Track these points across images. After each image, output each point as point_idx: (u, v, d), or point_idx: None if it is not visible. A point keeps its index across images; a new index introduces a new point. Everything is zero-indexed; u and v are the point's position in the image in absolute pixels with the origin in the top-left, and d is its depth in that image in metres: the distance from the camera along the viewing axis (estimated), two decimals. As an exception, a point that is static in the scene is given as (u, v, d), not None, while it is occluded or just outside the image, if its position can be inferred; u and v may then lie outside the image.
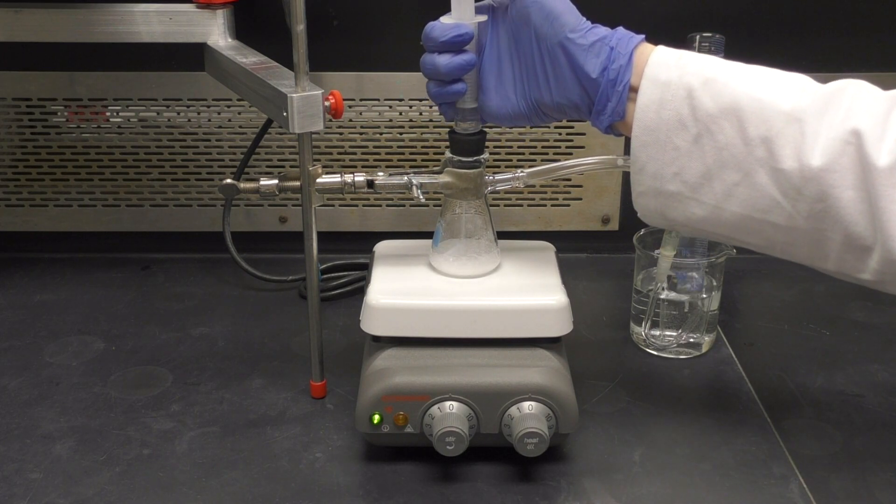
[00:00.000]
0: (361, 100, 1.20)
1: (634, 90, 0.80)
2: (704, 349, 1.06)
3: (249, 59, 1.00)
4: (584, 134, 1.22)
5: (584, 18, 0.82)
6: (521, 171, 0.92)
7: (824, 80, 1.22)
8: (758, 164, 0.76)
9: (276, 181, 0.91)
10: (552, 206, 1.26)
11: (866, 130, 0.73)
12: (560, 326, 0.88)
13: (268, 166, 1.23)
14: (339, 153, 1.23)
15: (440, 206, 0.93)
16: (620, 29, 0.83)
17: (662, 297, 1.02)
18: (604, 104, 0.81)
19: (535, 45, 0.82)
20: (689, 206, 0.80)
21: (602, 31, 0.82)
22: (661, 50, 0.81)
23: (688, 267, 1.03)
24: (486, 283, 0.91)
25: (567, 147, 1.22)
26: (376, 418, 0.84)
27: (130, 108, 1.21)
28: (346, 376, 0.98)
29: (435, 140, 1.22)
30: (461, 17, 0.83)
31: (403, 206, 1.25)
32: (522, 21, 0.82)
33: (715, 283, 1.03)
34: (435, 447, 0.83)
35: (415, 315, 0.87)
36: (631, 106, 0.80)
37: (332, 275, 1.21)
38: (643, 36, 0.82)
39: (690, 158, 0.78)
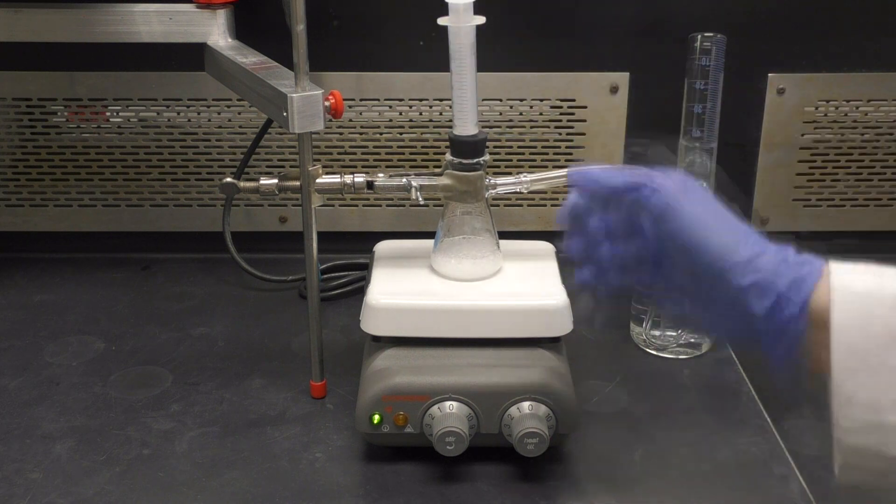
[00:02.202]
0: (361, 100, 1.20)
1: (817, 312, 0.65)
2: (704, 349, 1.06)
3: (249, 59, 1.00)
4: (584, 134, 1.22)
5: (742, 239, 0.67)
6: (525, 176, 0.92)
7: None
8: None
9: (276, 181, 0.91)
10: (552, 206, 1.26)
11: None
12: (560, 326, 0.88)
13: (268, 166, 1.23)
14: (339, 153, 1.23)
15: (440, 206, 0.93)
16: (790, 254, 0.67)
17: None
18: (770, 346, 0.67)
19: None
20: None
21: (765, 262, 0.66)
22: (837, 263, 0.66)
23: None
24: (485, 283, 0.91)
25: (567, 147, 1.22)
26: (376, 418, 0.84)
27: (130, 108, 1.21)
28: (346, 376, 0.98)
29: (435, 140, 1.22)
30: (458, 19, 0.83)
31: (403, 206, 1.25)
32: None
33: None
34: (435, 447, 0.83)
35: (415, 315, 0.87)
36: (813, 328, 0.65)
37: (332, 275, 1.21)
38: (820, 270, 0.66)
39: None
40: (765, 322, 0.66)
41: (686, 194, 0.70)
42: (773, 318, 0.66)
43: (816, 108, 1.21)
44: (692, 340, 1.04)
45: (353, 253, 1.22)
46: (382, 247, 0.99)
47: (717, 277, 0.67)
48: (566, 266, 0.96)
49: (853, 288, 0.64)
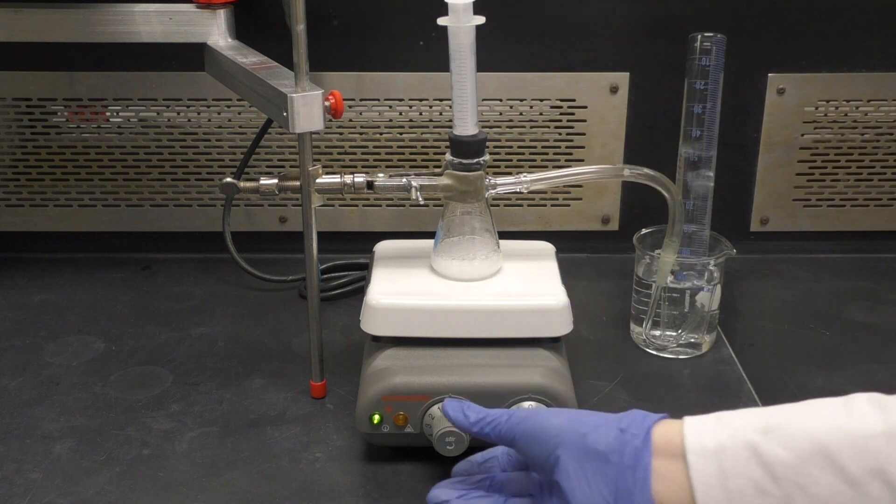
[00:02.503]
0: (361, 100, 1.20)
1: (666, 478, 0.65)
2: (704, 349, 1.06)
3: (249, 59, 0.99)
4: (584, 134, 1.22)
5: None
6: (525, 176, 0.92)
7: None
8: None
9: (276, 181, 0.91)
10: (552, 206, 1.26)
11: None
12: (560, 326, 0.88)
13: (268, 166, 1.23)
14: (339, 153, 1.23)
15: (440, 206, 0.93)
16: (633, 410, 0.70)
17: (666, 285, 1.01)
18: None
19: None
20: None
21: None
22: (691, 419, 0.67)
23: (688, 267, 1.03)
24: (485, 283, 0.92)
25: (567, 147, 1.22)
26: (376, 418, 0.84)
27: (130, 108, 1.21)
28: (346, 376, 0.98)
29: (435, 140, 1.22)
30: (458, 19, 0.83)
31: (403, 205, 1.25)
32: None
33: (715, 283, 1.03)
34: (435, 447, 0.83)
35: (415, 315, 0.87)
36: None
37: (332, 275, 1.21)
38: (663, 415, 0.69)
39: None
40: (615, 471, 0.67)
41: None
42: (621, 456, 0.67)
43: (816, 108, 1.22)
44: (692, 340, 1.04)
45: (353, 253, 1.22)
46: (382, 247, 0.99)
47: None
48: (566, 266, 0.96)
49: (706, 446, 0.64)
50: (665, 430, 0.67)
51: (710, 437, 0.65)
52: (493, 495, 0.76)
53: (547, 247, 0.99)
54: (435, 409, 0.84)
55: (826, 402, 0.66)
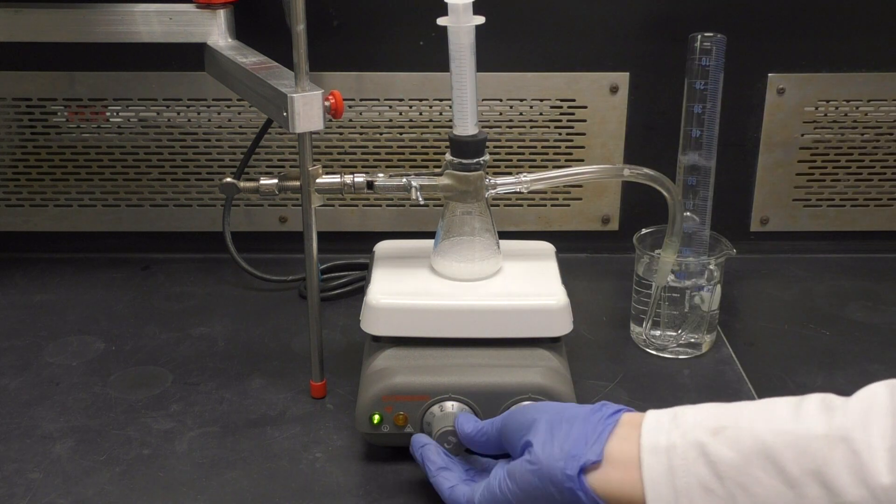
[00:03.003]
0: (361, 100, 1.20)
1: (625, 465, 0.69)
2: (704, 349, 1.06)
3: (249, 59, 0.99)
4: (584, 134, 1.22)
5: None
6: (525, 176, 0.92)
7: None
8: None
9: (276, 181, 0.91)
10: (552, 206, 1.26)
11: None
12: (560, 326, 0.88)
13: (268, 166, 1.23)
14: (339, 153, 1.23)
15: (440, 206, 0.93)
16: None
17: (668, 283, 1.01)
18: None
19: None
20: None
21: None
22: (652, 413, 0.71)
23: (688, 267, 1.03)
24: (485, 283, 0.92)
25: (567, 147, 1.22)
26: (376, 418, 0.84)
27: (130, 108, 1.21)
28: (346, 376, 0.98)
29: (435, 140, 1.22)
30: (457, 19, 0.83)
31: (403, 205, 1.25)
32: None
33: (715, 283, 1.03)
34: (435, 447, 0.83)
35: (415, 315, 0.87)
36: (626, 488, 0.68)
37: (332, 275, 1.21)
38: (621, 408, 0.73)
39: None
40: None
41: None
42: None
43: (816, 108, 1.22)
44: (692, 340, 1.04)
45: (353, 253, 1.22)
46: (382, 247, 0.99)
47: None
48: (566, 266, 0.96)
49: (658, 444, 0.67)
50: (632, 418, 0.71)
51: (663, 435, 0.68)
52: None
53: (547, 247, 0.99)
54: (435, 409, 0.84)
55: (778, 403, 0.68)
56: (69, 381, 1.00)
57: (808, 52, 1.19)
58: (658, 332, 1.05)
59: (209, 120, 1.21)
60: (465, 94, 0.87)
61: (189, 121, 1.21)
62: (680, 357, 1.05)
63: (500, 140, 1.22)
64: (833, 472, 0.62)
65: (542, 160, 1.23)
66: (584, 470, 0.69)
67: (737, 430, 0.66)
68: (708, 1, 1.17)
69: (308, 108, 0.86)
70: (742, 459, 0.65)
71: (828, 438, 0.63)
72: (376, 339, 0.89)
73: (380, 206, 1.25)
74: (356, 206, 1.25)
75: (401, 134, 1.22)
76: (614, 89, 1.20)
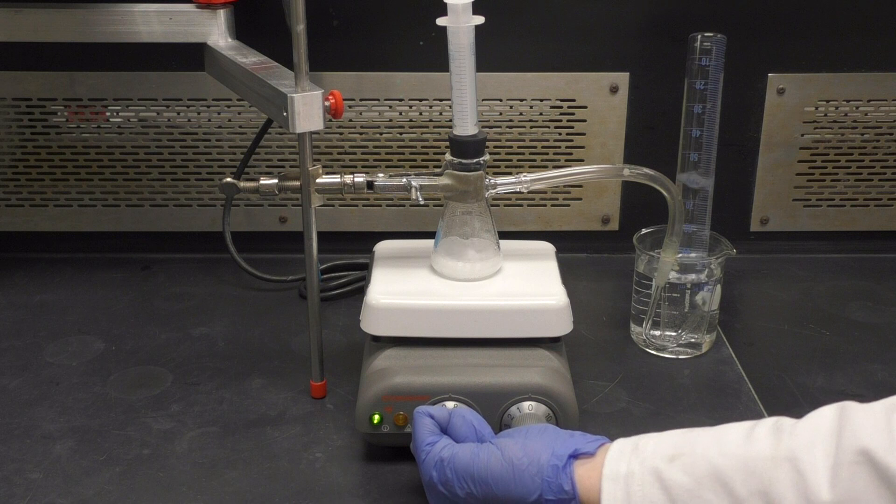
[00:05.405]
0: (361, 100, 1.20)
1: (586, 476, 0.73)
2: (704, 349, 1.06)
3: (249, 59, 0.99)
4: (584, 134, 1.22)
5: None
6: (525, 176, 0.92)
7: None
8: None
9: (276, 181, 0.91)
10: (552, 206, 1.26)
11: (873, 445, 0.64)
12: (560, 326, 0.88)
13: (268, 166, 1.23)
14: (339, 153, 1.23)
15: (440, 206, 0.93)
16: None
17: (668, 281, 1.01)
18: None
19: None
20: None
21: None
22: (619, 442, 0.74)
23: (688, 266, 1.03)
24: (485, 283, 0.91)
25: (567, 147, 1.22)
26: (376, 418, 0.84)
27: (130, 108, 1.21)
28: (346, 376, 0.98)
29: (435, 140, 1.22)
30: (457, 19, 0.83)
31: (403, 206, 1.25)
32: None
33: (715, 283, 1.03)
34: (435, 447, 0.83)
35: (415, 315, 0.87)
36: None
37: (332, 275, 1.21)
38: (599, 441, 0.76)
39: None
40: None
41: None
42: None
43: (816, 108, 1.22)
44: (692, 340, 1.04)
45: (353, 253, 1.22)
46: (382, 247, 0.99)
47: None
48: (566, 266, 0.96)
49: (618, 472, 0.71)
50: (604, 449, 0.74)
51: (623, 463, 0.71)
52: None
53: (547, 247, 0.99)
54: (435, 409, 0.84)
55: (733, 428, 0.71)
56: (69, 381, 1.00)
57: (808, 52, 1.19)
58: (658, 332, 1.05)
59: (209, 120, 1.21)
60: (465, 94, 0.87)
61: (189, 121, 1.21)
62: (680, 357, 1.05)
63: (500, 140, 1.22)
64: (778, 492, 0.65)
65: (542, 160, 1.23)
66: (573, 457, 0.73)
67: (692, 457, 0.69)
68: (708, 1, 1.17)
69: (308, 108, 0.86)
70: (695, 483, 0.68)
71: (774, 460, 0.66)
72: (376, 339, 0.89)
73: (380, 206, 1.25)
74: (356, 206, 1.25)
75: (401, 134, 1.22)
76: (614, 89, 1.20)
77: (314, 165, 0.90)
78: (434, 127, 1.21)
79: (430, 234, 0.94)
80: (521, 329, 0.87)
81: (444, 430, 0.79)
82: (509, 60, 1.18)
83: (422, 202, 0.91)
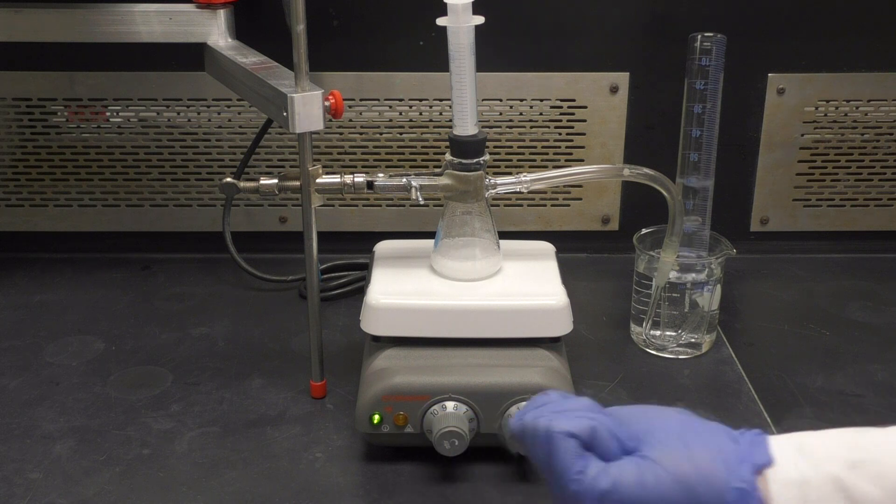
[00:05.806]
0: (361, 100, 1.20)
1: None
2: (704, 349, 1.06)
3: (249, 59, 1.00)
4: (584, 134, 1.22)
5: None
6: (525, 176, 0.92)
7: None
8: None
9: (276, 181, 0.91)
10: (552, 206, 1.26)
11: None
12: (560, 326, 0.88)
13: (268, 166, 1.23)
14: (339, 153, 1.23)
15: (440, 206, 0.93)
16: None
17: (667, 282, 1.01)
18: None
19: None
20: None
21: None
22: (774, 440, 0.64)
23: (688, 267, 1.03)
24: (485, 283, 0.92)
25: (567, 147, 1.22)
26: (376, 418, 0.84)
27: (130, 108, 1.21)
28: (346, 376, 0.98)
29: (435, 140, 1.22)
30: (457, 19, 0.83)
31: (403, 206, 1.25)
32: None
33: (715, 283, 1.03)
34: (435, 447, 0.83)
35: (415, 315, 0.87)
36: None
37: (332, 275, 1.21)
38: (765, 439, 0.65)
39: None
40: None
41: None
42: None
43: (816, 108, 1.22)
44: (692, 340, 1.04)
45: (353, 253, 1.22)
46: (382, 247, 0.99)
47: None
48: (566, 266, 0.96)
49: (789, 476, 0.61)
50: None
51: (792, 467, 0.62)
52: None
53: (547, 247, 0.99)
54: (435, 409, 0.84)
55: None
56: (69, 381, 1.00)
57: (808, 52, 1.19)
58: (658, 332, 1.05)
59: (209, 120, 1.21)
60: (465, 94, 0.87)
61: (189, 121, 1.21)
62: (680, 357, 1.05)
63: (500, 140, 1.22)
64: None
65: (542, 160, 1.23)
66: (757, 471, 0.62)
67: (878, 465, 0.60)
68: (708, 1, 1.17)
69: (308, 108, 0.86)
70: (885, 496, 0.59)
71: None
72: (376, 339, 0.89)
73: (380, 206, 1.25)
74: (356, 206, 1.25)
75: (401, 134, 1.22)
76: (614, 89, 1.20)
77: (314, 165, 0.90)
78: (434, 127, 1.21)
79: (430, 234, 0.94)
80: (521, 329, 0.87)
81: (588, 446, 0.65)
82: (509, 60, 1.18)
83: (422, 202, 0.91)
